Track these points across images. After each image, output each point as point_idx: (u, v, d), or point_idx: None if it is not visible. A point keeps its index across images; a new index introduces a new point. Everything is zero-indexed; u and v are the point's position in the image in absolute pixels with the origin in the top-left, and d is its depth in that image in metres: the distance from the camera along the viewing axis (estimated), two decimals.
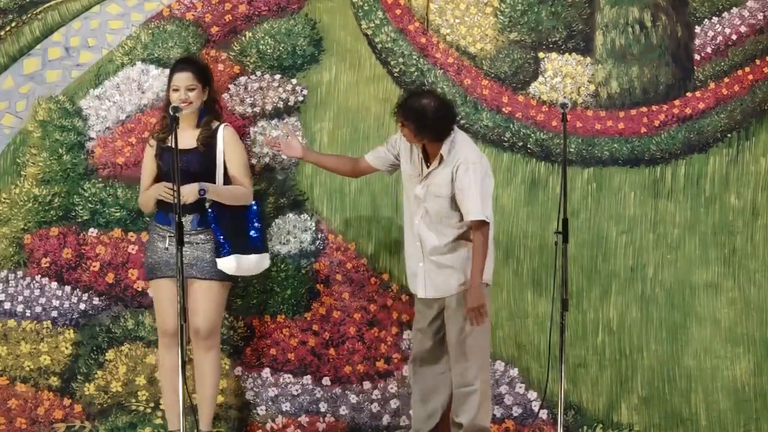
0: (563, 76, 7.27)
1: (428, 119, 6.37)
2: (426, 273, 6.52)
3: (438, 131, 6.42)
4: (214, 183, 6.61)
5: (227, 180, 6.68)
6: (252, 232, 6.70)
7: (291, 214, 7.20)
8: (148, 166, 6.73)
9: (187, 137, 6.61)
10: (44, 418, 7.08)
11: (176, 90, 6.60)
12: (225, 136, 6.69)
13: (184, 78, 6.60)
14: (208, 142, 6.64)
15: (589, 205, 7.27)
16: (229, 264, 6.58)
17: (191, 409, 6.48)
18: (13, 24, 7.12)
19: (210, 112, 6.73)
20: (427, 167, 6.48)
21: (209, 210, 6.57)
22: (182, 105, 6.52)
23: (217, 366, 6.74)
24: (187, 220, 6.55)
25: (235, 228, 6.65)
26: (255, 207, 6.76)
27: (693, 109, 7.28)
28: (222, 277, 6.63)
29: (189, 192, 6.46)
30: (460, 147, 6.47)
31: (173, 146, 6.30)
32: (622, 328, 7.25)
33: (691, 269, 7.26)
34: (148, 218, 6.90)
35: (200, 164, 6.60)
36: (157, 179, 6.67)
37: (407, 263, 6.68)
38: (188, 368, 6.75)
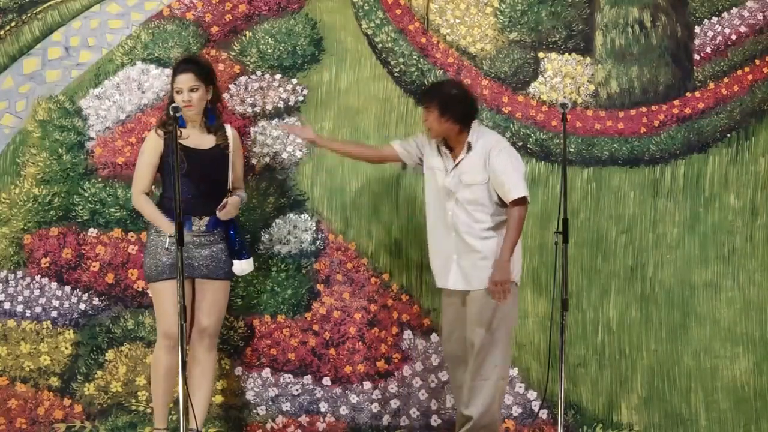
0: (563, 76, 7.28)
1: (453, 99, 6.43)
2: (459, 265, 6.48)
3: (462, 113, 6.46)
4: (227, 182, 6.62)
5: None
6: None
7: (291, 214, 7.20)
8: (153, 162, 6.57)
9: (199, 137, 6.59)
10: (44, 418, 7.08)
11: (179, 92, 6.54)
12: (234, 137, 6.72)
13: (186, 79, 6.54)
14: (227, 143, 6.65)
15: (588, 204, 7.28)
16: (247, 266, 6.66)
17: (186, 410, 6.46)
18: (13, 24, 7.11)
19: (219, 112, 6.72)
20: (453, 160, 6.49)
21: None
22: (185, 107, 6.49)
23: (215, 365, 6.77)
24: (202, 223, 6.56)
25: (242, 231, 6.72)
26: None
27: (693, 109, 7.29)
28: (230, 277, 6.66)
29: (234, 206, 6.54)
30: (487, 135, 6.53)
31: (188, 145, 6.43)
32: (621, 327, 7.26)
33: (690, 269, 7.27)
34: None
35: (222, 164, 6.61)
36: (162, 178, 6.59)
37: (434, 259, 6.60)
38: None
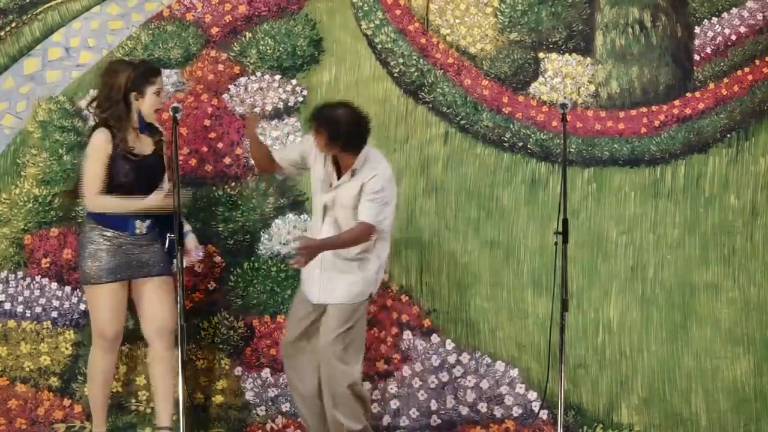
0: (563, 77, 7.28)
1: (342, 127, 6.36)
2: (324, 279, 6.50)
3: (350, 141, 6.41)
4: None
5: None
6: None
7: (291, 214, 7.20)
8: (105, 162, 6.52)
9: (139, 144, 6.56)
10: (44, 419, 7.08)
11: (158, 93, 6.52)
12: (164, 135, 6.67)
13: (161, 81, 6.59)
14: (161, 146, 6.62)
15: (589, 205, 7.27)
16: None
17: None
18: (13, 24, 7.13)
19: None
20: (338, 178, 6.48)
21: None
22: (159, 108, 6.55)
23: (176, 363, 6.53)
24: (144, 225, 6.53)
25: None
26: None
27: (693, 109, 7.28)
28: (166, 272, 6.61)
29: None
30: (372, 162, 6.46)
31: (134, 152, 6.44)
32: (622, 328, 7.25)
33: (691, 269, 7.26)
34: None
35: (161, 168, 6.59)
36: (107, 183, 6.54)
37: (303, 270, 6.60)
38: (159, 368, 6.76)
